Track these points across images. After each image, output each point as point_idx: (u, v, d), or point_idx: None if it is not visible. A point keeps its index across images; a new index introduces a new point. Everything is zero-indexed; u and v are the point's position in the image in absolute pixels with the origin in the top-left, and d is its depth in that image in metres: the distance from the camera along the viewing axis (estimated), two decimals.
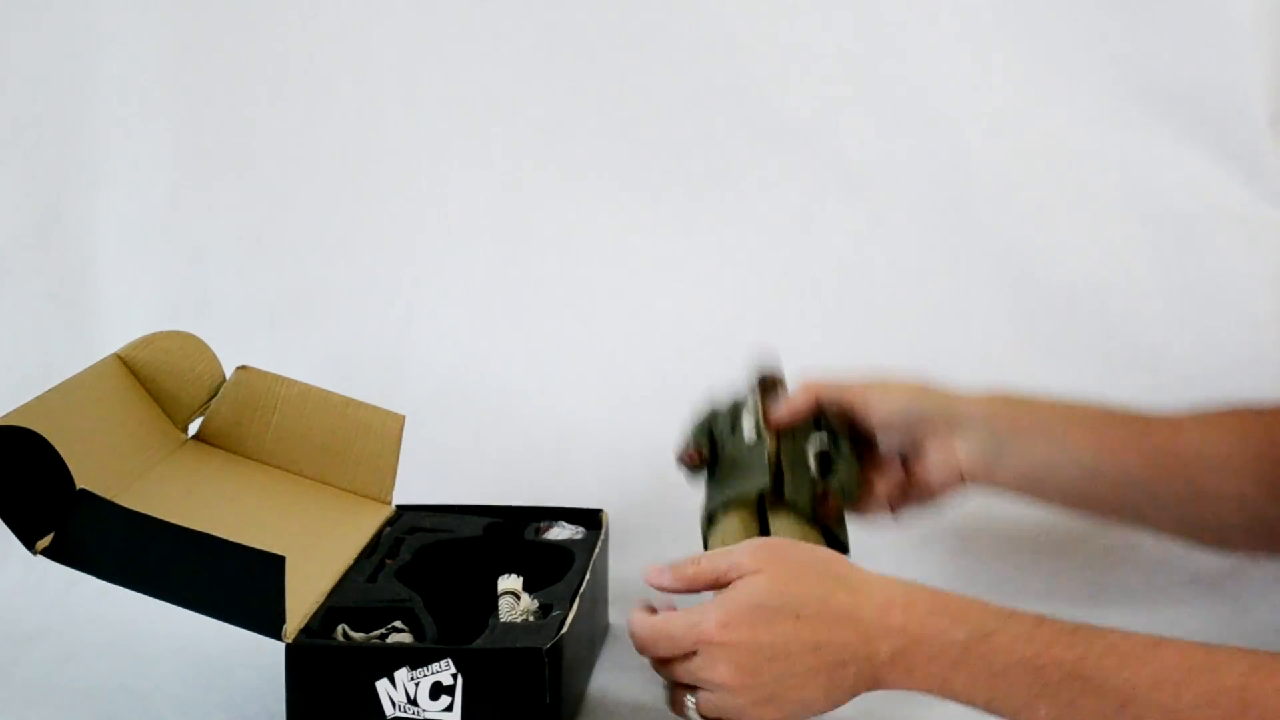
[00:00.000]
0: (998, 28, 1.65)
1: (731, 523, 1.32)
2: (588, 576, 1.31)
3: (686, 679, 1.12)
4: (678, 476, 1.61)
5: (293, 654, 1.18)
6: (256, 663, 1.31)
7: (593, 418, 1.69)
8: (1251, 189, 1.62)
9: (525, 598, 1.27)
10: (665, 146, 1.69)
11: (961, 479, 1.32)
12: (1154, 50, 1.62)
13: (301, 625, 1.21)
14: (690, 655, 1.11)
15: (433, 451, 1.60)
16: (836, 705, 1.10)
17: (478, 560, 1.37)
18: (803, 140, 1.68)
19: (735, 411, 1.39)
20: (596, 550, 1.36)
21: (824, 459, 1.35)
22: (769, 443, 1.35)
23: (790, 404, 1.34)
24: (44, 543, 1.19)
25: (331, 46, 1.71)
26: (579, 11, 1.68)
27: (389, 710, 1.18)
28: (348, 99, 1.71)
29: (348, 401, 1.43)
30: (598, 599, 1.38)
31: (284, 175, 1.72)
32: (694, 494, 1.59)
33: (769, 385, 1.38)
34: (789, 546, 1.14)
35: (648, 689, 1.33)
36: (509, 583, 1.27)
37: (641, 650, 1.15)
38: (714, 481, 1.37)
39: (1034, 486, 1.31)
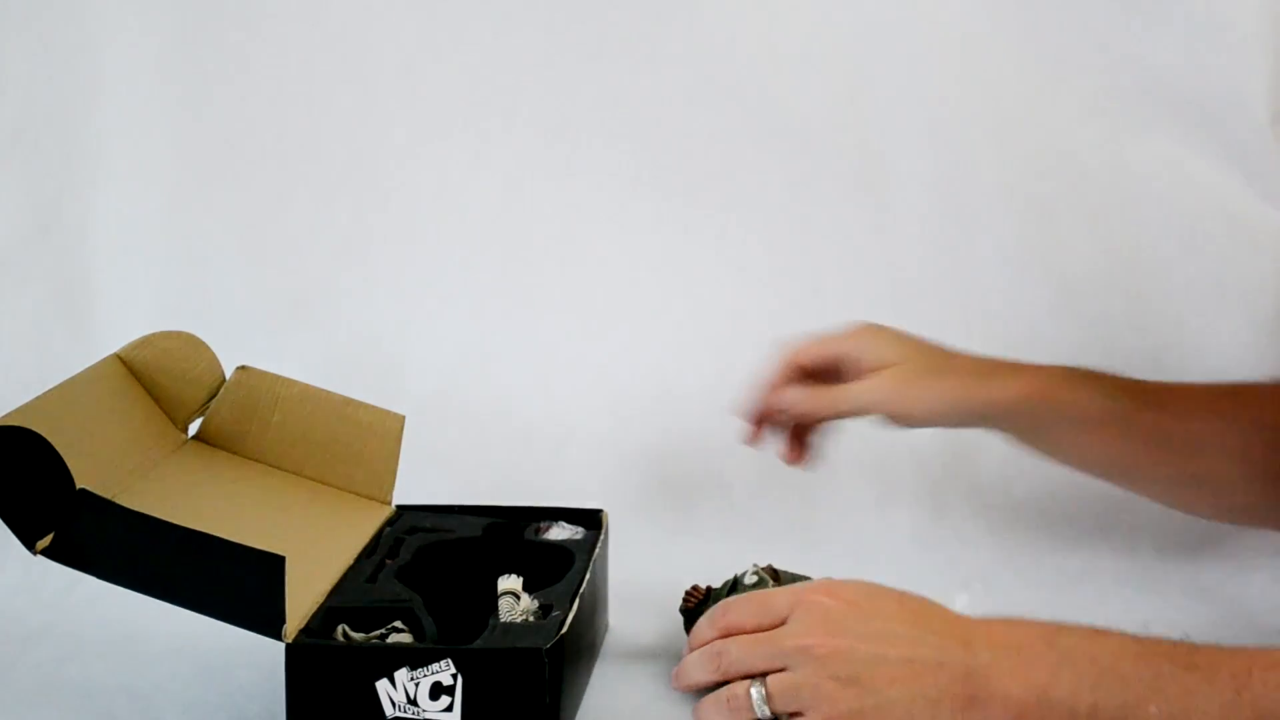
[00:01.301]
0: (998, 27, 1.65)
1: None
2: (588, 576, 1.31)
3: (762, 653, 1.07)
4: (677, 477, 1.62)
5: (293, 654, 1.18)
6: (256, 663, 1.31)
7: (593, 418, 1.69)
8: (1252, 189, 1.62)
9: (525, 598, 1.27)
10: (665, 146, 1.69)
11: None
12: (1154, 50, 1.62)
13: (301, 625, 1.21)
14: (780, 622, 1.06)
15: (433, 451, 1.60)
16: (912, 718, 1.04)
17: (477, 560, 1.37)
18: (803, 140, 1.68)
19: (732, 581, 1.38)
20: (596, 550, 1.36)
21: None
22: (771, 582, 1.35)
23: (784, 365, 1.33)
24: (44, 543, 1.19)
25: (331, 46, 1.71)
26: (579, 11, 1.68)
27: (389, 710, 1.17)
28: (348, 99, 1.71)
29: (347, 401, 1.43)
30: (598, 599, 1.38)
31: (284, 175, 1.72)
32: (694, 492, 1.60)
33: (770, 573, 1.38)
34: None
35: (648, 689, 1.33)
36: (509, 583, 1.27)
37: (721, 619, 1.09)
38: None
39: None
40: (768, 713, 1.09)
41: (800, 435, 1.38)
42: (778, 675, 1.07)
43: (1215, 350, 1.63)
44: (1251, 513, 1.32)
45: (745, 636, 1.10)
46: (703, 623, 1.12)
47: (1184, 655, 0.99)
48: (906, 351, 1.31)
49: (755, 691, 1.08)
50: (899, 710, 1.03)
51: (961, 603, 1.43)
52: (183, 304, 1.72)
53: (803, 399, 1.32)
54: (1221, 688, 0.97)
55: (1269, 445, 1.27)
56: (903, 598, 1.06)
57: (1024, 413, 1.29)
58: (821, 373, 1.35)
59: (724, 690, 1.11)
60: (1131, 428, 1.29)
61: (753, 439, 1.37)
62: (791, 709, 1.07)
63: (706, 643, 1.13)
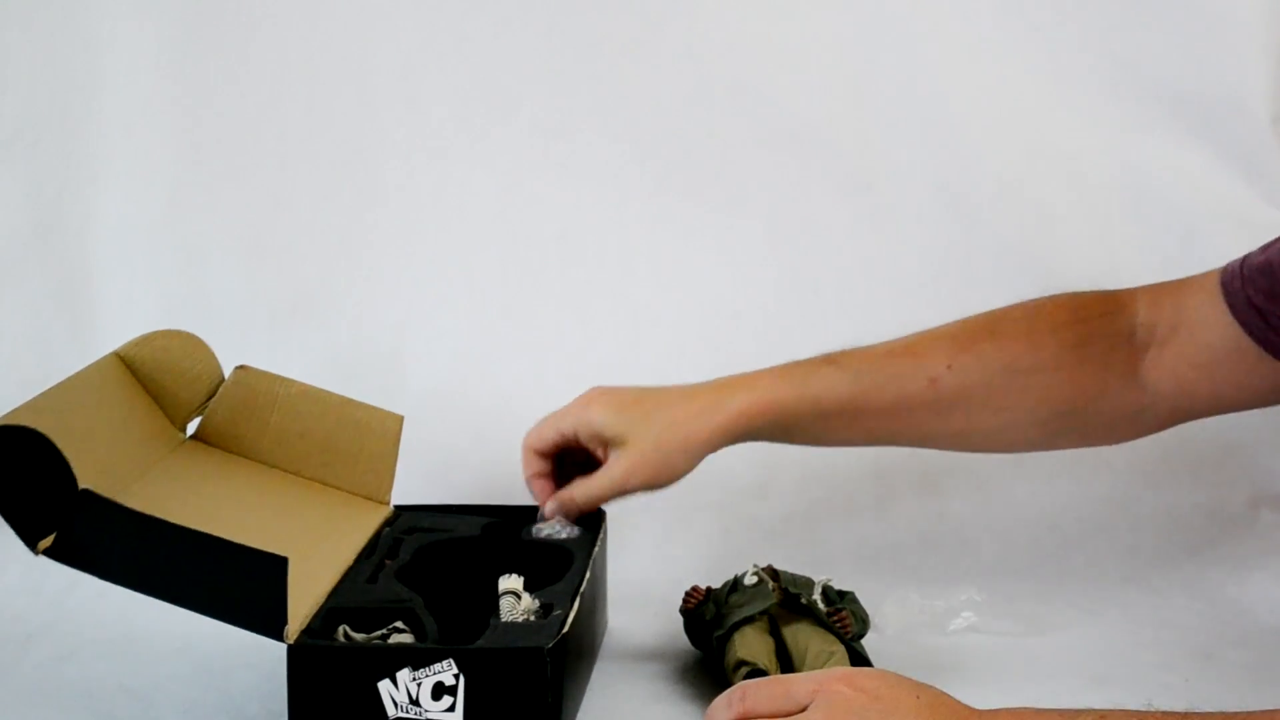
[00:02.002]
0: (998, 28, 1.65)
1: (748, 634, 1.31)
2: (588, 575, 1.31)
3: None
4: None
5: (294, 655, 1.18)
6: (257, 663, 1.31)
7: None
8: (1252, 189, 1.62)
9: (526, 597, 1.27)
10: (665, 146, 1.69)
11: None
12: (1155, 50, 1.62)
13: (303, 626, 1.21)
14: (798, 710, 1.05)
15: (432, 451, 1.60)
16: None
17: (477, 560, 1.37)
18: (803, 140, 1.68)
19: (733, 581, 1.38)
20: (596, 549, 1.36)
21: (829, 590, 1.36)
22: (770, 583, 1.35)
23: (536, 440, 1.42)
24: (46, 543, 1.19)
25: (331, 46, 1.71)
26: (579, 11, 1.68)
27: (391, 711, 1.17)
28: (348, 99, 1.71)
29: (346, 401, 1.43)
30: (598, 598, 1.38)
31: (284, 175, 1.72)
32: (694, 492, 1.59)
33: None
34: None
35: (648, 689, 1.33)
36: (510, 582, 1.27)
37: (740, 705, 1.08)
38: (719, 617, 1.36)
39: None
40: None
41: None
42: None
43: None
44: (1032, 442, 1.39)
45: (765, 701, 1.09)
46: (720, 704, 1.11)
47: None
48: (629, 418, 1.38)
49: None
50: None
51: (962, 622, 1.44)
52: (182, 303, 1.71)
53: (566, 501, 1.40)
54: None
55: (1050, 391, 1.33)
56: (920, 690, 1.06)
57: (767, 422, 1.36)
58: (567, 451, 1.42)
59: None
60: (873, 406, 1.35)
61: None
62: None
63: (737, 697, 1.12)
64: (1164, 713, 1.01)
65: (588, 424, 1.39)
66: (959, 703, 1.07)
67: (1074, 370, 1.34)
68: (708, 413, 1.36)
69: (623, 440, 1.37)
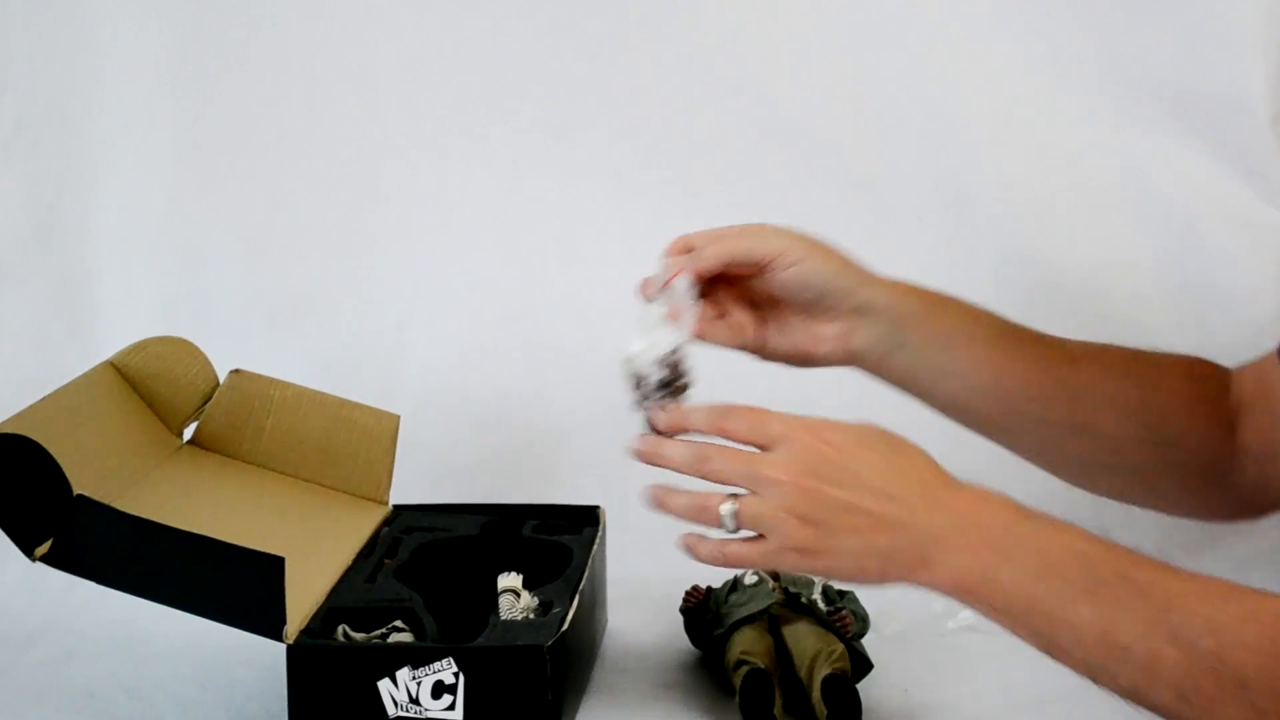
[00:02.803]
0: (998, 27, 1.65)
1: (747, 633, 1.31)
2: (587, 573, 1.31)
3: (740, 471, 1.09)
4: (675, 476, 1.61)
5: (294, 655, 1.18)
6: (256, 663, 1.31)
7: (592, 417, 1.69)
8: (1252, 189, 1.62)
9: (525, 595, 1.27)
10: (665, 146, 1.69)
11: (849, 360, 1.26)
12: (1155, 50, 1.62)
13: (302, 626, 1.21)
14: (768, 447, 1.09)
15: (432, 451, 1.60)
16: (859, 573, 1.08)
17: (476, 559, 1.37)
18: (803, 140, 1.68)
19: (733, 581, 1.38)
20: (595, 547, 1.36)
21: (829, 590, 1.36)
22: (770, 581, 1.35)
23: (701, 261, 1.23)
24: (42, 549, 1.19)
25: (331, 46, 1.71)
26: (579, 11, 1.68)
27: (391, 710, 1.17)
28: (347, 99, 1.71)
29: (342, 403, 1.43)
30: (597, 596, 1.38)
31: (284, 175, 1.72)
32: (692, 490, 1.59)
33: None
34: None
35: (648, 688, 1.33)
36: (509, 580, 1.27)
37: (720, 420, 1.11)
38: (719, 617, 1.36)
39: (919, 389, 1.27)
40: (732, 528, 1.10)
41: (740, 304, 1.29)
42: (749, 498, 1.09)
43: (1215, 350, 1.63)
44: (1133, 479, 1.30)
45: (731, 451, 1.11)
46: (701, 411, 1.13)
47: (1127, 566, 1.01)
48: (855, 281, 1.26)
49: (726, 508, 1.10)
50: (850, 558, 1.07)
51: (961, 620, 1.44)
52: (182, 304, 1.72)
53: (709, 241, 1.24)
54: (1151, 605, 0.99)
55: (1164, 409, 1.27)
56: (890, 451, 1.08)
57: (917, 309, 1.25)
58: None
59: (699, 497, 1.12)
60: (1020, 350, 1.27)
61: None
62: (754, 531, 1.10)
63: (696, 430, 1.14)
64: (1110, 544, 1.03)
65: (832, 285, 1.23)
66: (931, 468, 1.08)
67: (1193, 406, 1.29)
68: (883, 279, 1.26)
69: (863, 317, 1.24)
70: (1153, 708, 1.00)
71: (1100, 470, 1.28)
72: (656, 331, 1.19)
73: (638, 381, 1.17)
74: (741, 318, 1.25)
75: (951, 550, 1.05)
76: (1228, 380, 1.29)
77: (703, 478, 1.13)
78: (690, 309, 1.20)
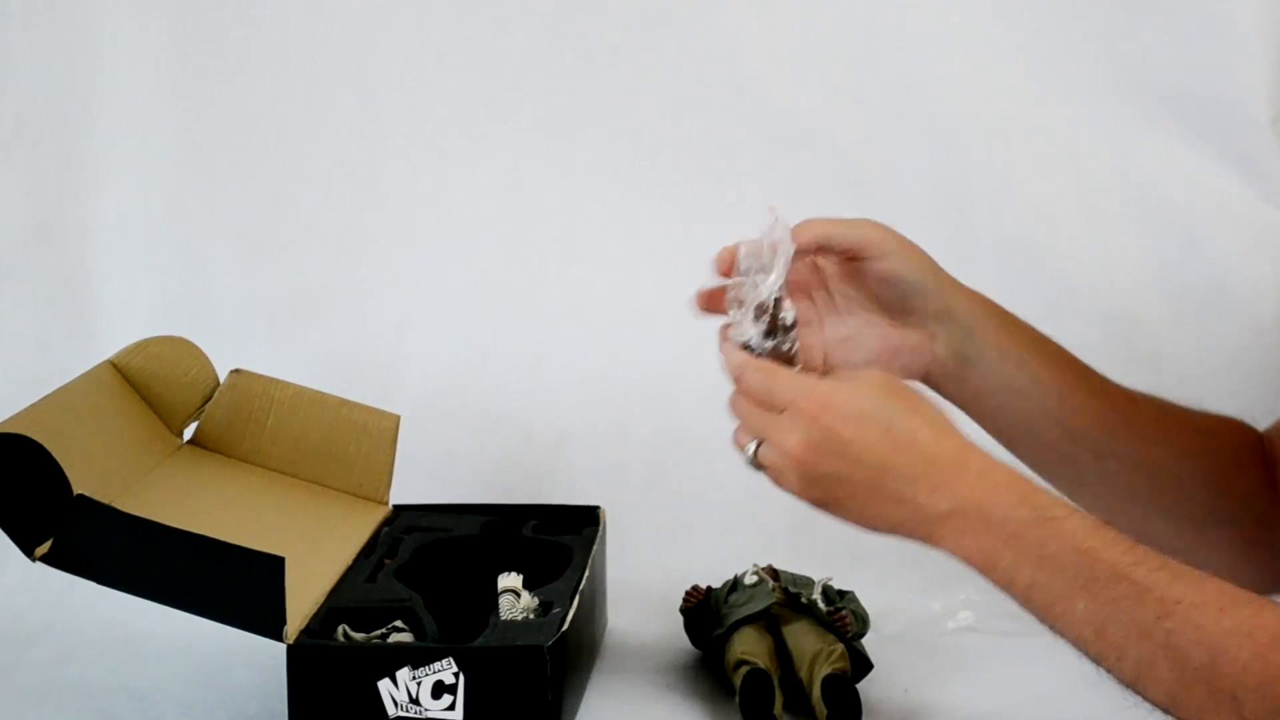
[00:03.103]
0: (998, 27, 1.65)
1: (747, 634, 1.31)
2: (587, 573, 1.31)
3: (758, 427, 1.11)
4: (675, 476, 1.61)
5: (294, 655, 1.18)
6: (256, 663, 1.31)
7: (591, 417, 1.69)
8: (1252, 189, 1.62)
9: (525, 595, 1.27)
10: (665, 146, 1.69)
11: (925, 373, 1.23)
12: (1155, 50, 1.62)
13: (302, 626, 1.21)
14: (776, 410, 1.10)
15: (432, 451, 1.60)
16: (872, 529, 1.09)
17: (476, 558, 1.37)
18: (803, 140, 1.68)
19: (732, 581, 1.38)
20: (595, 547, 1.36)
21: (829, 590, 1.36)
22: (770, 581, 1.35)
23: (797, 235, 1.21)
24: (43, 549, 1.19)
25: (331, 46, 1.71)
26: (579, 11, 1.68)
27: (391, 710, 1.17)
28: (348, 99, 1.71)
29: (342, 403, 1.43)
30: (597, 596, 1.38)
31: (284, 175, 1.72)
32: (690, 492, 1.60)
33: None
34: (906, 384, 1.12)
35: (648, 688, 1.33)
36: (509, 580, 1.27)
37: (738, 382, 1.13)
38: (719, 617, 1.36)
39: (990, 409, 1.25)
40: (753, 467, 1.12)
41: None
42: (765, 446, 1.10)
43: (1215, 350, 1.63)
44: (1188, 526, 1.26)
45: (753, 404, 1.12)
46: (737, 355, 1.14)
47: (1127, 565, 1.01)
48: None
49: (750, 447, 1.11)
50: (857, 519, 1.09)
51: (961, 620, 1.44)
52: (182, 304, 1.71)
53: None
54: (1146, 609, 0.99)
55: (1217, 458, 1.25)
56: (893, 420, 1.07)
57: (994, 320, 1.23)
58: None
59: (744, 418, 1.13)
60: (1085, 380, 1.25)
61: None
62: (769, 471, 1.11)
63: (728, 372, 1.15)
64: (1116, 538, 1.02)
65: (923, 284, 1.21)
66: (936, 442, 1.07)
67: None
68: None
69: (946, 322, 1.21)
70: (1148, 702, 1.00)
71: (1156, 513, 1.27)
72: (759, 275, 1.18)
73: (757, 311, 1.17)
74: (823, 323, 1.23)
75: (952, 532, 1.06)
76: (1261, 440, 1.29)
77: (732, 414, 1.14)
78: (786, 249, 1.19)
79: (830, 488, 1.08)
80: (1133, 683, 1.00)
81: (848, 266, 1.20)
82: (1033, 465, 1.24)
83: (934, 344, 1.21)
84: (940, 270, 1.22)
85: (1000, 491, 1.05)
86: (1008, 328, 1.23)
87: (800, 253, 1.18)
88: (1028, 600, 1.04)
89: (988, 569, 1.05)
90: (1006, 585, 1.04)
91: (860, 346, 1.22)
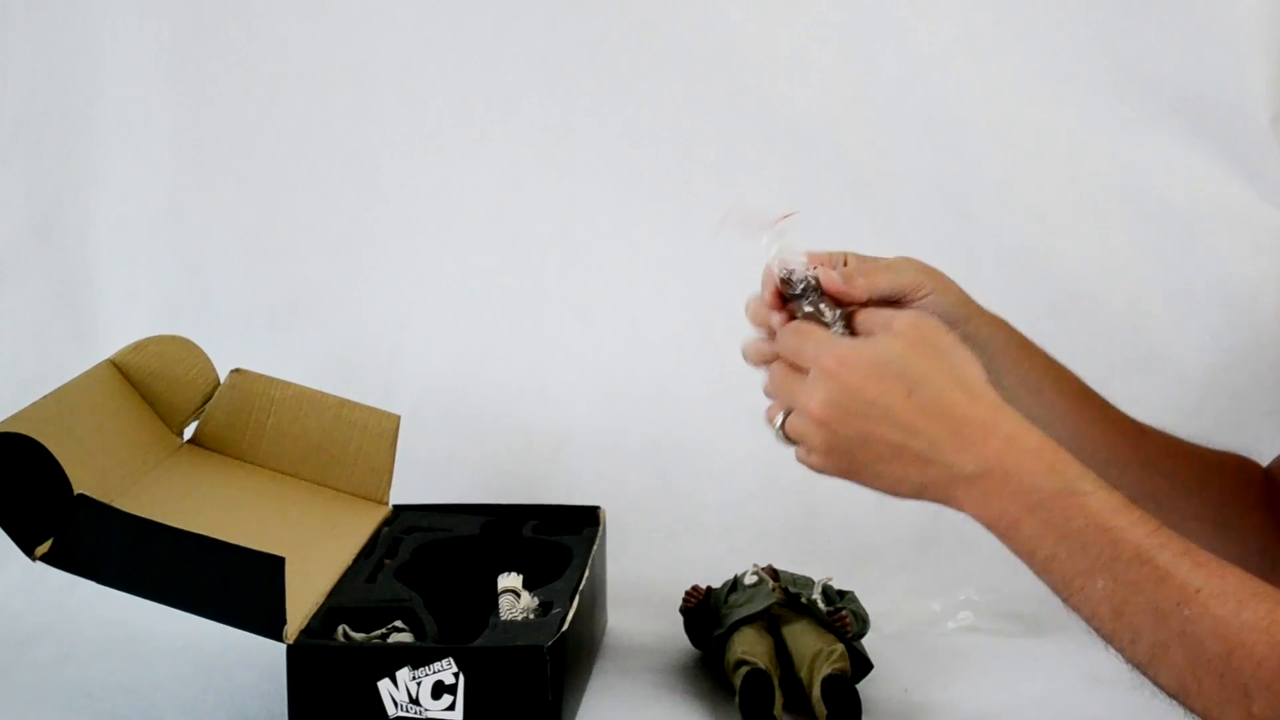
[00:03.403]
0: (998, 27, 1.65)
1: (747, 634, 1.31)
2: (587, 573, 1.31)
3: (786, 390, 1.10)
4: (675, 476, 1.61)
5: (294, 655, 1.18)
6: (257, 663, 1.31)
7: (591, 417, 1.69)
8: (1252, 189, 1.62)
9: (525, 595, 1.27)
10: (665, 146, 1.69)
11: None
12: (1155, 50, 1.62)
13: (302, 626, 1.21)
14: (802, 370, 1.09)
15: (432, 451, 1.60)
16: (897, 494, 1.08)
17: (476, 559, 1.37)
18: (803, 140, 1.68)
19: (732, 582, 1.38)
20: (595, 547, 1.36)
21: (829, 590, 1.35)
22: (770, 581, 1.35)
23: (852, 291, 1.17)
24: (43, 549, 1.19)
25: (331, 46, 1.71)
26: (579, 11, 1.68)
27: (391, 710, 1.17)
28: (348, 99, 1.71)
29: (342, 403, 1.43)
30: (597, 596, 1.38)
31: (284, 175, 1.72)
32: (690, 492, 1.60)
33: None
34: (942, 332, 1.09)
35: (648, 688, 1.33)
36: (509, 581, 1.27)
37: (775, 333, 1.12)
38: (719, 617, 1.36)
39: None
40: (781, 441, 1.11)
41: None
42: (792, 416, 1.10)
43: (1215, 350, 1.63)
44: None
45: (780, 370, 1.11)
46: (776, 318, 1.13)
47: (1151, 548, 1.00)
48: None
49: (777, 420, 1.11)
50: (883, 482, 1.08)
51: (961, 620, 1.44)
52: (182, 304, 1.72)
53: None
54: (1166, 595, 0.99)
55: (1222, 493, 1.26)
56: (922, 376, 1.06)
57: (1014, 347, 1.24)
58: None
59: (772, 392, 1.12)
60: (1098, 411, 1.26)
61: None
62: (797, 446, 1.11)
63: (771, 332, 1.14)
64: (1142, 517, 1.01)
65: (947, 310, 1.20)
66: (964, 399, 1.05)
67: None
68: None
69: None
70: (1157, 686, 1.00)
71: None
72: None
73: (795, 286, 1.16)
74: None
75: (977, 494, 1.04)
76: (1265, 476, 1.29)
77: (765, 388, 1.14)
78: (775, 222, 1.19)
79: (853, 451, 1.07)
80: (1145, 666, 1.00)
81: (888, 303, 1.19)
82: None
83: None
84: (969, 299, 1.22)
85: (1029, 458, 1.04)
86: (1028, 355, 1.23)
87: (850, 301, 1.16)
88: (1046, 572, 1.03)
89: (1009, 536, 1.04)
90: (1027, 555, 1.04)
91: None
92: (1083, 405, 1.24)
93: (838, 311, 1.13)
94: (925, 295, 1.19)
